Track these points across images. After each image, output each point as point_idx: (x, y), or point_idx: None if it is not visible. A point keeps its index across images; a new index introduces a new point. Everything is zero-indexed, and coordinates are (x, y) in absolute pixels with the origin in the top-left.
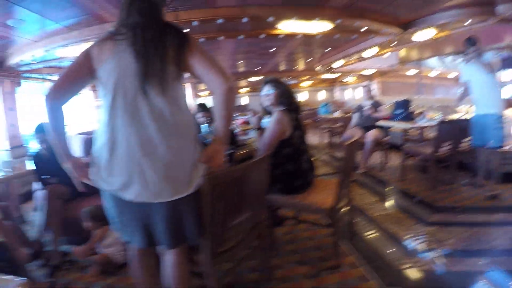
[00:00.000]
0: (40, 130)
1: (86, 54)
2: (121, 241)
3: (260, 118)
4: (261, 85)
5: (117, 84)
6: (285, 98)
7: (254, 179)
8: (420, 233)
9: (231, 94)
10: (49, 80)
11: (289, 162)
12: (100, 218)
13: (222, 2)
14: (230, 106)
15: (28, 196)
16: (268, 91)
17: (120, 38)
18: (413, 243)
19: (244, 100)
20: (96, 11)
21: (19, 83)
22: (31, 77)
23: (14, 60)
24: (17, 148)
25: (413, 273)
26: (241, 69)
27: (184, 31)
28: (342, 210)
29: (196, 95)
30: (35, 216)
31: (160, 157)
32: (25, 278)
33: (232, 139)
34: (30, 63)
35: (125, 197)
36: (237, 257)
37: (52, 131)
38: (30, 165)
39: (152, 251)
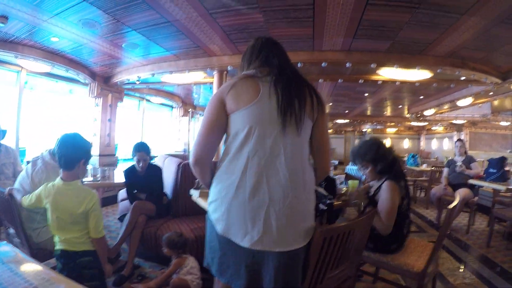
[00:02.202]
0: (138, 149)
1: (220, 104)
2: (198, 270)
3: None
4: (351, 158)
5: (257, 127)
6: (385, 168)
7: (357, 235)
8: None
9: (324, 177)
10: (147, 100)
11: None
12: (178, 246)
13: (328, 46)
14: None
15: (108, 201)
16: (363, 168)
17: (264, 79)
18: None
19: None
20: (206, 44)
21: (121, 99)
22: (131, 95)
23: (120, 78)
24: (108, 156)
25: None
26: (329, 110)
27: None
28: (429, 275)
29: None
30: (113, 222)
31: (288, 204)
32: None
33: (332, 189)
34: (134, 83)
35: (239, 242)
36: None
37: (202, 182)
38: (119, 175)
39: None
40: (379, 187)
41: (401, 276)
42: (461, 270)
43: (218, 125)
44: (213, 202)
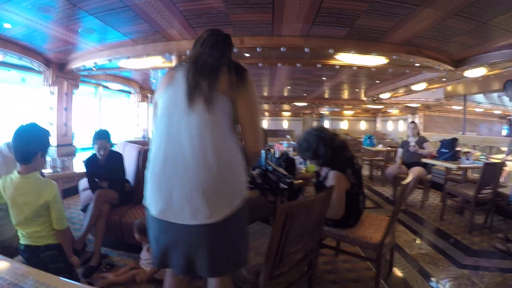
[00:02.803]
0: (98, 137)
1: (154, 103)
2: None
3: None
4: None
5: (166, 108)
6: (326, 162)
7: (317, 210)
8: (454, 275)
9: (256, 156)
10: (104, 86)
11: (347, 204)
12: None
13: (287, 31)
14: (252, 163)
15: (68, 193)
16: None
17: (179, 68)
18: (446, 284)
19: (284, 124)
20: (165, 29)
21: (77, 86)
22: (87, 81)
23: (76, 64)
24: (66, 146)
25: None
26: (288, 94)
27: (246, 73)
28: (386, 246)
29: None
30: (75, 214)
31: (190, 178)
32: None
33: (292, 169)
34: (90, 69)
35: (151, 212)
36: (286, 282)
37: None
38: (78, 165)
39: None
40: (327, 174)
41: (361, 248)
42: (417, 242)
43: None
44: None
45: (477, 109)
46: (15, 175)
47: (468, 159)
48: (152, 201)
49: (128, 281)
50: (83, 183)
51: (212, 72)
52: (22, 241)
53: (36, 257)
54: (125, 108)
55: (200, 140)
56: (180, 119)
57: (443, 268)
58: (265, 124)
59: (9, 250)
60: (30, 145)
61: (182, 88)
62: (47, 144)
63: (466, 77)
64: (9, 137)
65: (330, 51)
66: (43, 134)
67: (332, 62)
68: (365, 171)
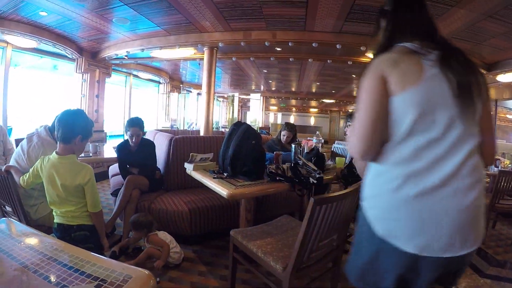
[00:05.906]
0: (132, 124)
1: (381, 81)
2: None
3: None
4: (346, 117)
5: (422, 115)
6: None
7: (346, 206)
8: (476, 284)
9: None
10: (134, 75)
11: None
12: (143, 226)
13: (319, 27)
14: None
15: (97, 177)
16: (349, 124)
17: (428, 60)
18: None
19: (311, 121)
20: (198, 20)
21: (109, 74)
22: (118, 70)
23: (108, 53)
24: (97, 132)
25: None
26: (316, 90)
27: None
28: None
29: (267, 108)
30: (104, 198)
31: (465, 203)
32: None
33: (321, 164)
34: (122, 58)
35: (403, 246)
36: (310, 277)
37: (362, 175)
38: (109, 151)
39: None
40: None
41: None
42: None
43: (383, 110)
44: (372, 197)
45: (509, 116)
46: (53, 155)
47: (497, 166)
48: (409, 234)
49: (144, 262)
50: (113, 168)
51: (477, 74)
52: (56, 219)
53: (68, 236)
54: (153, 97)
55: (474, 162)
56: (447, 131)
57: (465, 276)
58: (292, 119)
59: (42, 228)
60: (73, 125)
61: (444, 91)
62: (89, 132)
63: (499, 81)
64: (46, 121)
65: (362, 48)
66: (88, 122)
67: (363, 59)
68: None
